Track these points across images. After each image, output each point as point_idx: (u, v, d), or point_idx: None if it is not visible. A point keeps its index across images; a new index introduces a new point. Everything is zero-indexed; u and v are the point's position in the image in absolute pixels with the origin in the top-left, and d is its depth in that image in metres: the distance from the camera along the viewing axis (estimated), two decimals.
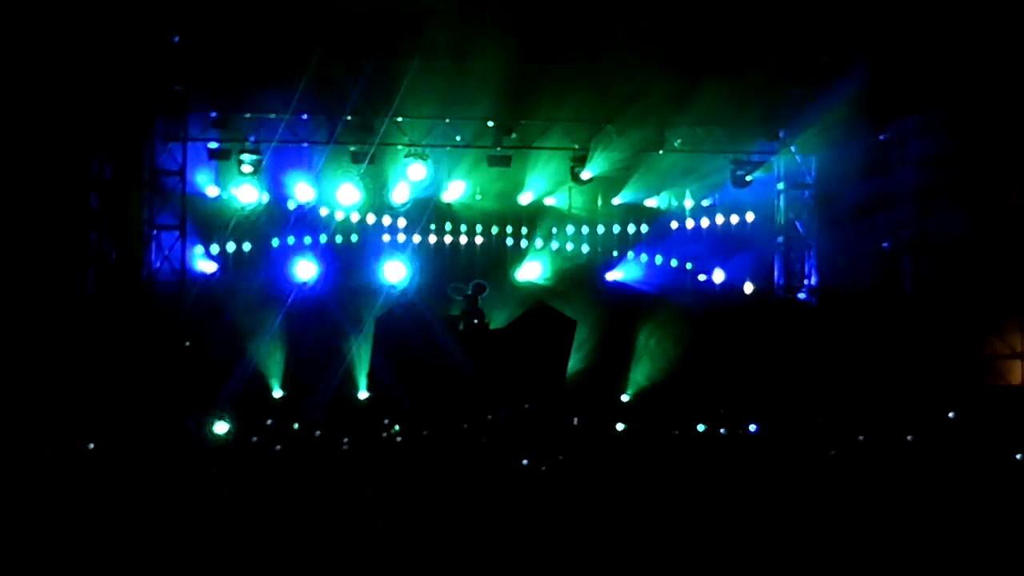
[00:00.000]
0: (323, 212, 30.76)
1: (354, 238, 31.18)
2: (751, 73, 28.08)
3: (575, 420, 25.54)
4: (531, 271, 32.14)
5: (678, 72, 28.53)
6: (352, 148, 29.41)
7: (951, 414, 25.64)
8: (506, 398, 24.33)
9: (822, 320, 31.56)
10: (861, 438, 20.84)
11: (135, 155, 29.35)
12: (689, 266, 32.65)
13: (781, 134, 31.09)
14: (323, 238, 30.64)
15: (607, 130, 30.28)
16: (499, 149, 30.20)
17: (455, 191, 31.56)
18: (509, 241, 32.14)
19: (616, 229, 32.53)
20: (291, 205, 30.40)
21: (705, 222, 32.69)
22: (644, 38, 27.58)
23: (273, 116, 28.80)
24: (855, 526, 10.56)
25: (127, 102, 28.14)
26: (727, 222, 32.64)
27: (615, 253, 32.70)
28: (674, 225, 32.67)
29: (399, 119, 29.23)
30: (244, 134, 29.24)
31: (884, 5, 27.75)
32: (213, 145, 29.51)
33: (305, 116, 28.98)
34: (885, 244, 30.77)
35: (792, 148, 31.49)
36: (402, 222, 31.27)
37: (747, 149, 31.08)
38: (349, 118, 28.55)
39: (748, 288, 32.12)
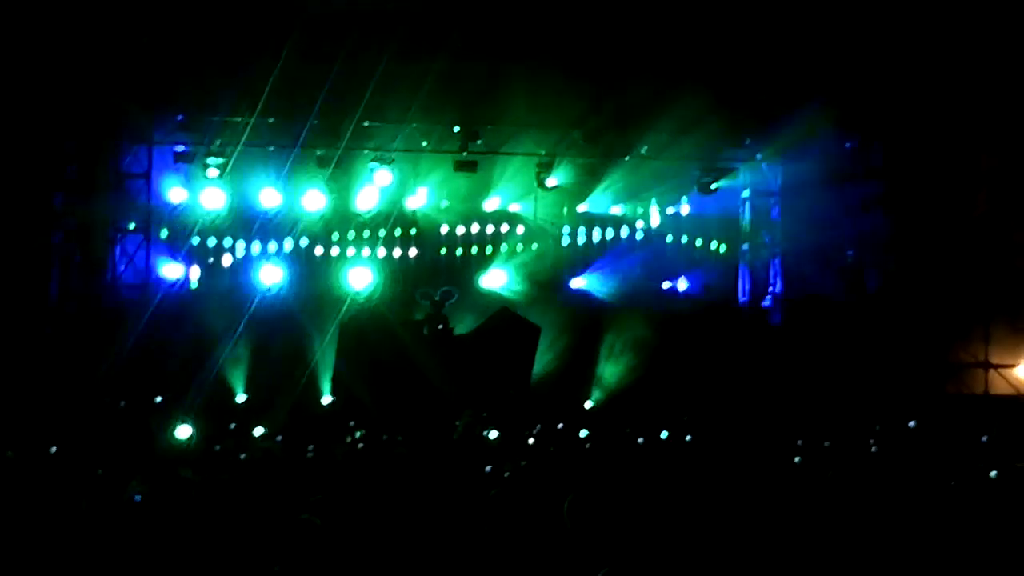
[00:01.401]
0: (289, 217, 30.63)
1: (319, 244, 31.11)
2: (718, 82, 28.12)
3: (538, 426, 25.52)
4: (496, 279, 32.14)
5: (645, 79, 28.61)
6: (318, 152, 29.33)
7: (912, 423, 25.70)
8: (471, 403, 24.32)
9: (787, 327, 31.67)
10: (827, 444, 20.87)
11: (101, 157, 29.28)
12: (653, 274, 32.72)
13: (747, 142, 31.18)
14: (288, 243, 30.53)
15: (573, 136, 30.27)
16: (465, 154, 30.16)
17: (421, 197, 31.54)
18: (474, 248, 32.14)
19: (581, 237, 32.54)
20: (257, 210, 30.22)
21: (670, 231, 32.76)
22: (612, 45, 27.64)
23: (239, 120, 28.59)
24: (818, 534, 10.58)
25: (94, 103, 28.03)
26: (692, 230, 32.73)
27: (580, 261, 32.74)
28: (639, 234, 32.72)
29: (365, 123, 29.15)
30: (210, 138, 29.07)
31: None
32: (179, 148, 29.40)
33: (271, 120, 28.80)
34: (850, 252, 30.85)
35: (758, 156, 31.59)
36: (368, 228, 31.19)
37: (713, 157, 31.12)
38: (315, 122, 28.37)
39: (712, 295, 32.27)
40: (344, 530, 10.63)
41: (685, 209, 32.82)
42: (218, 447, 21.53)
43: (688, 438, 23.24)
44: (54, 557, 10.36)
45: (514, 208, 32.36)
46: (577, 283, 32.68)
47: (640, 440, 23.12)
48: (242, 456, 18.96)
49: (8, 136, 27.01)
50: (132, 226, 29.70)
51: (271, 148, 29.67)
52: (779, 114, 29.29)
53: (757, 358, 30.24)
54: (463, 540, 11.00)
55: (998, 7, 27.29)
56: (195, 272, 30.28)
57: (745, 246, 32.71)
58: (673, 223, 32.88)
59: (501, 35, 27.36)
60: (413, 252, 31.74)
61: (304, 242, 30.90)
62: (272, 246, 30.45)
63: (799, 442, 21.97)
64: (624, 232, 32.78)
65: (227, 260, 30.55)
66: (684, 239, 32.70)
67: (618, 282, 32.62)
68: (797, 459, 18.60)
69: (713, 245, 32.76)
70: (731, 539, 10.70)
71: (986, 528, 10.62)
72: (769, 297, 32.32)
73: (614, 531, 10.70)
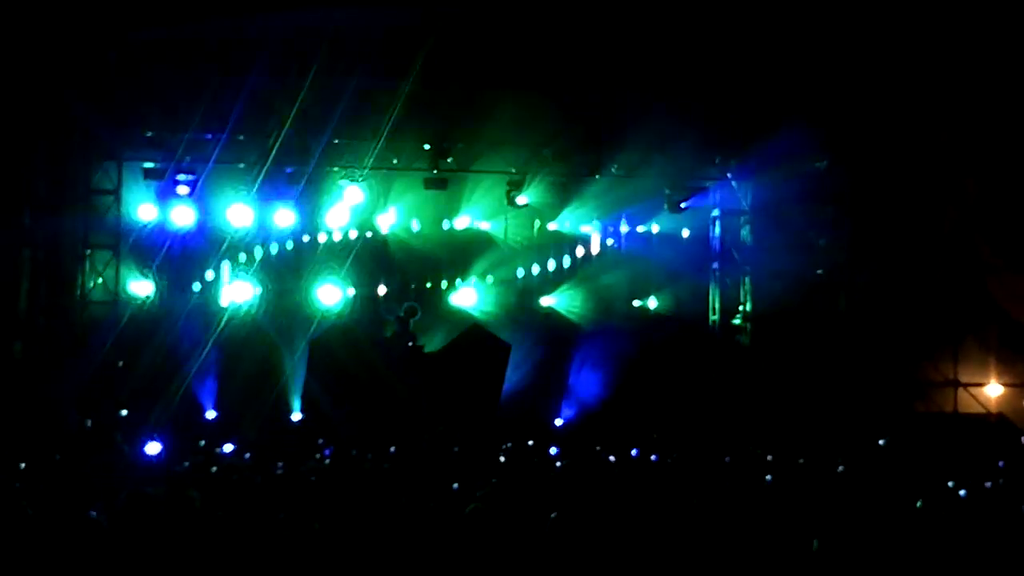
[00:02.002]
0: (259, 235, 30.53)
1: (290, 261, 31.05)
2: (689, 101, 28.18)
3: (508, 444, 25.50)
4: (466, 298, 32.15)
5: (617, 98, 28.66)
6: (288, 170, 29.23)
7: (881, 441, 25.76)
8: (440, 421, 24.34)
9: (756, 346, 31.71)
10: (801, 461, 20.91)
11: (70, 173, 29.17)
12: (624, 293, 32.78)
13: (717, 160, 31.23)
14: (258, 260, 30.43)
15: (543, 154, 30.28)
16: (435, 172, 30.15)
17: (391, 214, 31.53)
18: (444, 266, 32.14)
19: (551, 255, 32.59)
20: (227, 227, 30.09)
21: (640, 249, 32.84)
22: (583, 64, 27.65)
23: (209, 136, 28.49)
24: (788, 551, 10.58)
25: (63, 118, 27.93)
26: (662, 248, 32.78)
27: (550, 280, 32.78)
28: (607, 252, 32.83)
29: (336, 141, 29.08)
30: (180, 155, 28.94)
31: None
32: (148, 165, 29.30)
33: (241, 137, 28.69)
34: (819, 271, 30.92)
35: (728, 175, 31.65)
36: (338, 245, 31.14)
37: (684, 176, 31.12)
38: (285, 140, 28.23)
39: (682, 314, 32.33)
40: (317, 545, 10.60)
41: (655, 228, 32.90)
42: (186, 463, 21.47)
43: (655, 457, 23.20)
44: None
45: (484, 226, 32.38)
46: (547, 301, 32.70)
47: (611, 458, 23.09)
48: (212, 470, 18.89)
49: None
50: (102, 243, 29.59)
51: (241, 165, 29.54)
52: (750, 135, 29.39)
53: (728, 376, 30.28)
54: (437, 556, 10.98)
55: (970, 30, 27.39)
56: (165, 290, 30.13)
57: (715, 264, 32.73)
58: (644, 242, 32.95)
59: (472, 55, 27.33)
60: (383, 270, 31.70)
61: (274, 259, 30.81)
62: (242, 263, 30.33)
63: (769, 459, 22.00)
64: (593, 251, 32.87)
65: (197, 277, 30.44)
66: (654, 258, 32.74)
67: (588, 301, 32.66)
68: (768, 477, 18.62)
69: (683, 264, 32.79)
70: (703, 556, 10.71)
71: (955, 546, 10.63)
72: (739, 315, 32.35)
73: (592, 548, 10.69)
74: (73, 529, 10.69)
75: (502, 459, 22.54)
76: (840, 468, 20.46)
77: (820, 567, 9.59)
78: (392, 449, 23.67)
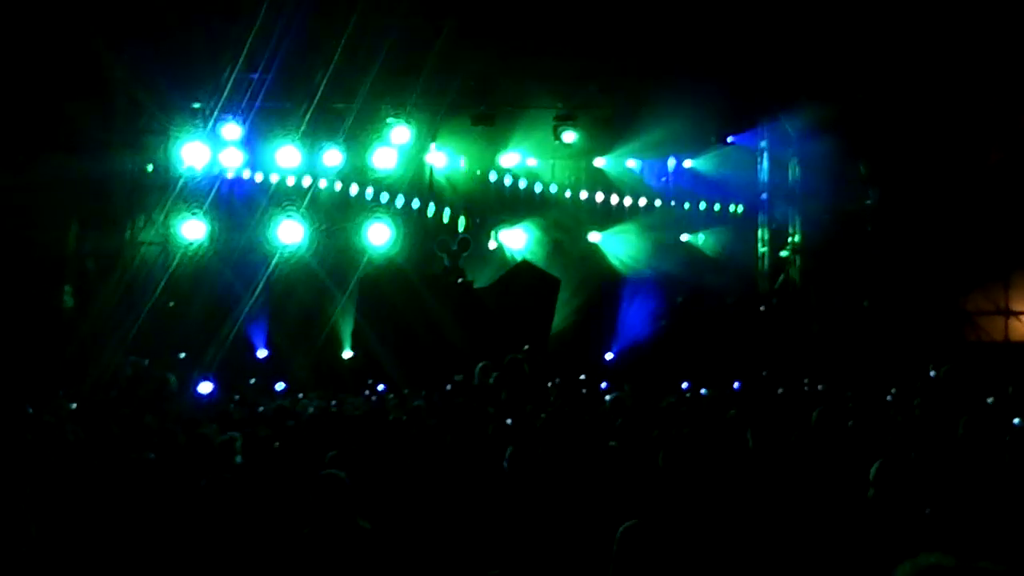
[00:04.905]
0: (307, 176, 30.58)
1: (338, 201, 31.08)
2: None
3: (557, 379, 25.54)
4: (513, 236, 32.15)
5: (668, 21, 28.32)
6: (335, 108, 29.19)
7: (932, 372, 25.67)
8: (491, 356, 24.32)
9: (804, 279, 31.65)
10: (849, 394, 20.84)
11: (119, 115, 29.28)
12: (672, 229, 32.76)
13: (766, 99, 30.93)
14: (307, 201, 30.44)
15: (590, 89, 30.10)
16: (483, 108, 30.06)
17: (438, 153, 31.52)
18: (492, 204, 32.12)
19: (599, 194, 32.55)
20: (276, 168, 30.15)
21: (687, 185, 32.81)
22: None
23: (256, 76, 28.44)
24: (838, 483, 10.58)
25: (109, 62, 28.01)
26: (710, 185, 32.71)
27: (597, 217, 32.74)
28: (655, 188, 32.80)
29: (381, 80, 28.96)
30: (227, 95, 28.91)
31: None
32: (196, 105, 29.35)
33: (287, 78, 28.56)
34: (868, 201, 30.78)
35: (778, 110, 31.38)
36: (386, 184, 31.16)
37: (732, 110, 30.83)
38: (331, 78, 28.13)
39: (731, 250, 32.34)
40: (368, 487, 10.65)
41: (702, 165, 32.81)
42: (237, 398, 21.66)
43: (704, 391, 23.18)
44: (76, 512, 10.41)
45: (531, 163, 32.31)
46: (594, 238, 32.68)
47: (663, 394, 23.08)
48: (260, 410, 19.03)
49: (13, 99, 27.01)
50: (154, 186, 29.78)
51: (288, 105, 29.46)
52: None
53: (777, 309, 30.26)
54: (489, 497, 11.01)
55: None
56: (215, 231, 30.18)
57: (764, 196, 32.60)
58: (692, 178, 32.88)
59: None
60: (431, 208, 31.73)
61: (322, 200, 30.85)
62: (291, 204, 30.32)
63: (820, 388, 21.99)
64: (641, 190, 32.82)
65: (246, 218, 30.49)
66: (702, 195, 32.70)
67: (636, 238, 32.63)
68: (817, 410, 18.60)
69: (731, 203, 32.74)
70: (756, 488, 10.73)
71: (1011, 476, 10.60)
72: (788, 248, 32.26)
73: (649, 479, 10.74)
74: (129, 469, 10.80)
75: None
76: (890, 398, 20.44)
77: (876, 503, 9.60)
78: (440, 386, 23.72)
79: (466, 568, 9.53)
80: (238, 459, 12.40)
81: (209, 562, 9.90)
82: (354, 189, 31.10)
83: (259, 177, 30.59)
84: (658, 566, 7.29)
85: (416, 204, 31.49)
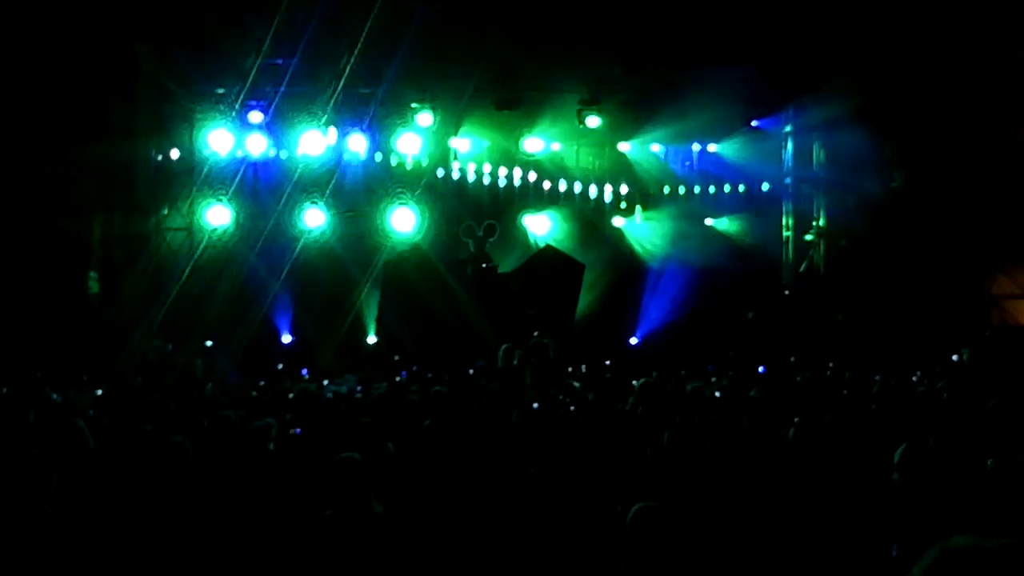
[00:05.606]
0: (332, 161, 30.55)
1: (362, 186, 31.06)
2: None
3: (583, 365, 25.53)
4: (537, 221, 32.12)
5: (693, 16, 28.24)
6: (361, 91, 29.17)
7: (955, 356, 25.63)
8: (515, 342, 24.28)
9: (828, 264, 31.61)
10: (877, 378, 20.81)
11: (144, 101, 29.32)
12: (696, 214, 32.67)
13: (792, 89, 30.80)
14: (331, 186, 30.40)
15: (615, 72, 29.99)
16: (506, 93, 30.01)
17: (463, 138, 31.50)
18: (516, 189, 32.04)
19: (623, 178, 32.47)
20: (299, 154, 30.12)
21: (712, 169, 32.73)
22: None
23: (280, 61, 28.44)
24: (866, 465, 10.60)
25: (135, 47, 28.09)
26: (734, 170, 32.61)
27: (621, 202, 32.67)
28: (679, 172, 32.74)
29: (406, 65, 28.90)
30: (252, 81, 28.90)
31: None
32: (221, 91, 29.36)
33: (311, 63, 28.56)
34: (893, 184, 30.70)
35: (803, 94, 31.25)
36: (410, 169, 31.13)
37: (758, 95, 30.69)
38: (356, 63, 28.08)
39: (753, 235, 32.26)
40: (385, 469, 10.68)
41: (726, 149, 32.69)
42: (262, 383, 21.73)
43: (730, 374, 23.14)
44: (106, 495, 10.46)
45: (555, 148, 32.24)
46: (618, 223, 32.63)
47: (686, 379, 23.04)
48: (289, 396, 19.07)
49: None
50: (179, 172, 29.85)
51: (312, 91, 29.42)
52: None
53: (803, 296, 30.25)
54: (512, 477, 11.04)
55: None
56: (240, 216, 30.17)
57: (788, 180, 32.54)
58: (716, 163, 32.78)
59: None
60: (456, 194, 31.70)
61: (347, 185, 30.83)
62: (315, 190, 30.28)
63: (847, 375, 21.96)
64: (665, 176, 32.75)
65: (271, 204, 30.48)
66: (727, 178, 32.61)
67: (660, 223, 32.57)
68: (844, 392, 18.60)
69: (755, 188, 32.65)
70: (784, 470, 10.75)
71: None
72: (812, 231, 32.20)
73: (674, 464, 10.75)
74: (158, 452, 10.85)
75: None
76: (916, 381, 20.42)
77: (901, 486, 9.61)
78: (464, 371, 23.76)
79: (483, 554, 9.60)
80: (271, 446, 12.47)
81: (232, 545, 9.96)
82: (378, 175, 31.04)
83: (284, 162, 30.52)
84: (672, 547, 7.33)
85: (441, 190, 31.42)
